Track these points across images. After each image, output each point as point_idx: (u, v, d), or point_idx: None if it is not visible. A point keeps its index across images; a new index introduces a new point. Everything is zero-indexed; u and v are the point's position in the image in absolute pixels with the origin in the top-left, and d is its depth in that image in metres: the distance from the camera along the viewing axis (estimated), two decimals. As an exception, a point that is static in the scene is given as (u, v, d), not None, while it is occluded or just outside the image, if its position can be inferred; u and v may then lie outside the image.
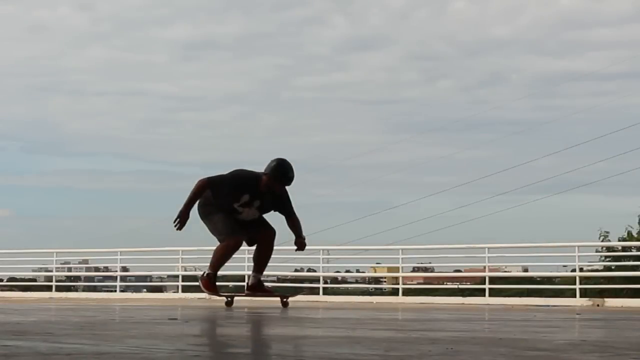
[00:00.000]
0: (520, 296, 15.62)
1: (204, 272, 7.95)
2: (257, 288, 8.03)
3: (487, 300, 14.46)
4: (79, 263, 22.29)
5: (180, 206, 7.68)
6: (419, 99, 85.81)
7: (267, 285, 8.61)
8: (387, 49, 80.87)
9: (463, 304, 13.01)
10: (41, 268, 21.74)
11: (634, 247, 19.50)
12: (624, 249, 19.92)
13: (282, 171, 7.80)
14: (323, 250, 17.09)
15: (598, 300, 13.56)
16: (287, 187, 7.86)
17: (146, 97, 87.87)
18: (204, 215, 7.84)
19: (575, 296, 14.40)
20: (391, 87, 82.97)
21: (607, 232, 22.20)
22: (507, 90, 77.77)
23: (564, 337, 4.18)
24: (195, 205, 7.81)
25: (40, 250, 20.93)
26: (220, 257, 7.86)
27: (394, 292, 17.32)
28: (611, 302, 13.29)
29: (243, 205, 7.79)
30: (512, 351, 3.22)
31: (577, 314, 8.06)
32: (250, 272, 17.21)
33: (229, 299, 8.38)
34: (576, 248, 15.09)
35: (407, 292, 16.99)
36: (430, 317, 6.66)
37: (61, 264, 21.89)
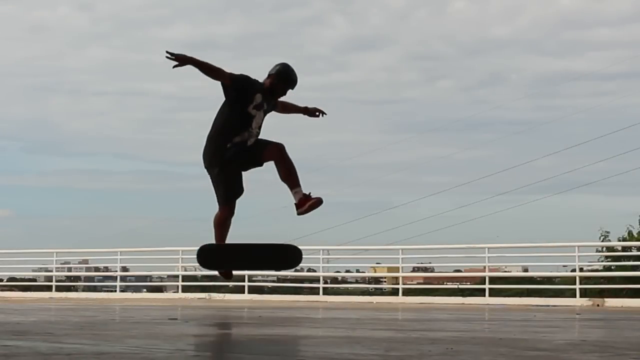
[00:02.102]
0: (520, 296, 15.62)
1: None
2: (305, 200, 7.57)
3: (487, 300, 14.45)
4: (79, 263, 22.27)
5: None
6: (419, 99, 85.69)
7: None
8: (387, 49, 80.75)
9: (463, 304, 13.01)
10: (41, 268, 21.71)
11: (634, 247, 19.47)
12: (624, 249, 19.89)
13: (287, 71, 7.70)
14: (323, 250, 17.08)
15: (598, 300, 13.55)
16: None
17: (146, 97, 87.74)
18: (209, 165, 7.65)
19: (575, 296, 14.39)
20: (391, 87, 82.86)
21: (608, 232, 22.16)
22: (507, 90, 77.66)
23: (564, 337, 4.18)
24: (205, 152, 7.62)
25: (40, 250, 20.92)
26: (218, 234, 7.73)
27: (394, 292, 17.31)
28: (611, 302, 13.29)
29: (256, 107, 7.66)
30: (512, 351, 3.22)
31: (577, 314, 8.06)
32: (250, 272, 17.21)
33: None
34: (576, 248, 15.08)
35: (407, 292, 16.97)
36: (430, 317, 6.66)
37: (61, 264, 21.87)
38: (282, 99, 7.84)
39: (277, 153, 7.47)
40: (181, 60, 7.32)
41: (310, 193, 7.44)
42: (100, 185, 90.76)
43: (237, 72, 7.63)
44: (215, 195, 7.69)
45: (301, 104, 7.94)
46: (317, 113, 7.93)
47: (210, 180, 7.71)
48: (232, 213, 7.77)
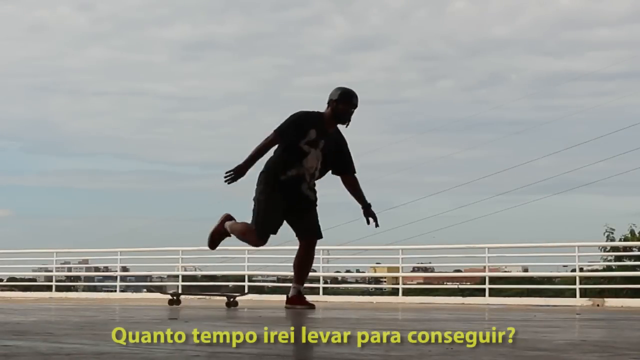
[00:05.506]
0: (520, 296, 15.64)
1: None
2: (296, 300, 7.42)
3: (487, 300, 14.46)
4: (79, 263, 22.31)
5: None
6: (419, 99, 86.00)
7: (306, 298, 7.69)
8: (387, 49, 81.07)
9: (463, 304, 13.01)
10: (41, 268, 21.74)
11: (635, 247, 19.48)
12: (625, 248, 19.91)
13: (348, 92, 7.28)
14: (323, 250, 17.09)
15: (598, 300, 13.57)
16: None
17: (146, 97, 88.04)
18: (265, 181, 7.26)
19: (575, 296, 14.41)
20: (391, 87, 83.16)
21: (613, 229, 22.15)
22: (507, 90, 77.95)
23: (564, 337, 4.18)
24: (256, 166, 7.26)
25: (40, 250, 20.94)
26: (242, 236, 7.55)
27: (394, 292, 17.32)
28: (611, 302, 13.30)
29: (310, 144, 7.22)
30: (512, 351, 3.21)
31: (577, 314, 8.06)
32: (250, 272, 17.19)
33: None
34: (576, 248, 15.10)
35: (407, 292, 16.99)
36: (430, 317, 6.66)
37: (61, 264, 21.90)
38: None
39: (306, 244, 7.39)
40: (239, 172, 7.06)
41: (305, 295, 7.53)
42: (100, 185, 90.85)
43: (289, 116, 7.24)
44: (252, 217, 7.37)
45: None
46: (371, 220, 7.40)
47: (254, 203, 7.34)
48: (262, 244, 7.58)
